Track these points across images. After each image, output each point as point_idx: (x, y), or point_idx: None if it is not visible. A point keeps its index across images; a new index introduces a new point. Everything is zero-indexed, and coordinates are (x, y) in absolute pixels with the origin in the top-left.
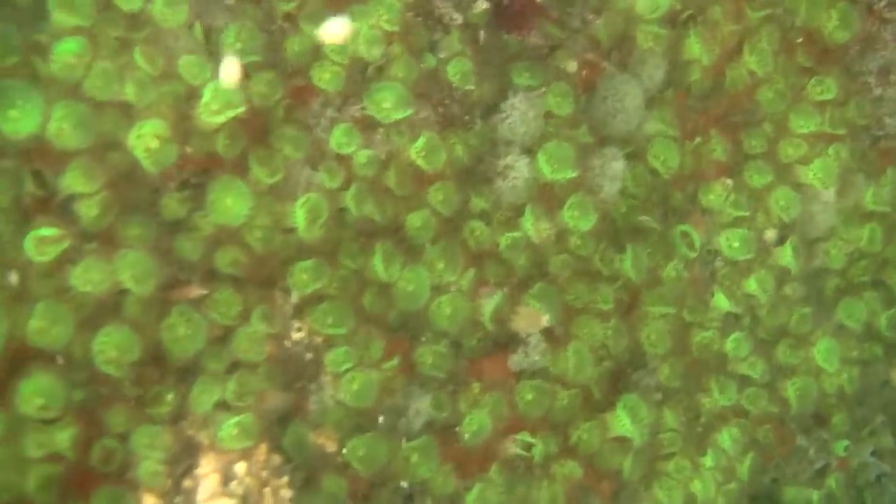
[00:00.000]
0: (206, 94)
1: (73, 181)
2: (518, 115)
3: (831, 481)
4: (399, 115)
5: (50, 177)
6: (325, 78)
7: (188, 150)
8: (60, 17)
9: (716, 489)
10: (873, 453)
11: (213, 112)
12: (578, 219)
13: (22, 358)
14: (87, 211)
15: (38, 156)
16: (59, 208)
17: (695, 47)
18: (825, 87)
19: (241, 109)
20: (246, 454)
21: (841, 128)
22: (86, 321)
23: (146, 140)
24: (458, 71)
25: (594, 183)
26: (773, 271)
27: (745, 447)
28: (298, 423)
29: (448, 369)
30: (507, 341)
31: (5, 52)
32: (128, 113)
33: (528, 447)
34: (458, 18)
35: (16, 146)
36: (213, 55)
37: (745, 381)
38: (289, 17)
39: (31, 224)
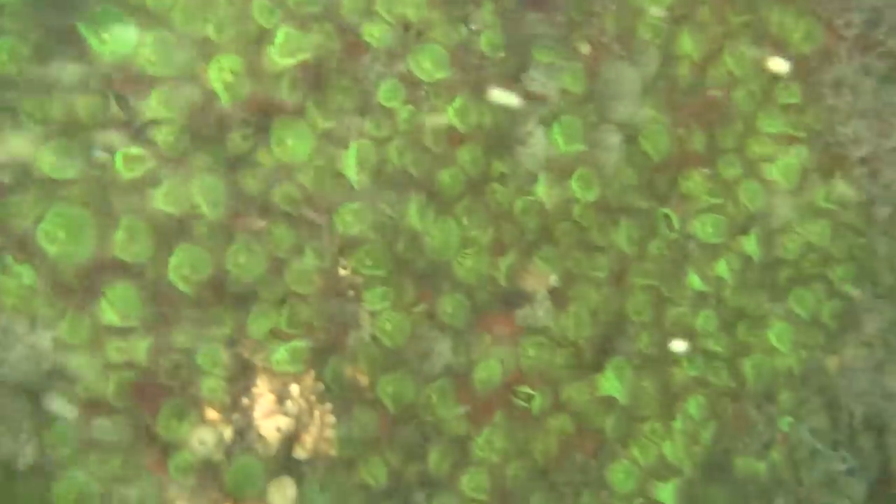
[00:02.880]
0: (280, 36)
1: (154, 107)
2: (537, 86)
3: (775, 454)
4: (440, 76)
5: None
6: (375, 34)
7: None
8: None
9: (684, 451)
10: (810, 431)
11: (283, 54)
12: (584, 190)
13: (105, 269)
14: (164, 137)
15: (120, 80)
16: (136, 132)
17: (686, 43)
18: (790, 93)
19: (308, 55)
20: (297, 378)
21: (801, 131)
22: (161, 240)
23: (224, 74)
24: (490, 42)
25: (597, 158)
26: (739, 257)
27: (708, 415)
28: (338, 356)
29: (465, 319)
30: (516, 298)
31: None
32: (204, 48)
33: (528, 399)
34: None
35: (104, 68)
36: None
37: (709, 355)
38: None
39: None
